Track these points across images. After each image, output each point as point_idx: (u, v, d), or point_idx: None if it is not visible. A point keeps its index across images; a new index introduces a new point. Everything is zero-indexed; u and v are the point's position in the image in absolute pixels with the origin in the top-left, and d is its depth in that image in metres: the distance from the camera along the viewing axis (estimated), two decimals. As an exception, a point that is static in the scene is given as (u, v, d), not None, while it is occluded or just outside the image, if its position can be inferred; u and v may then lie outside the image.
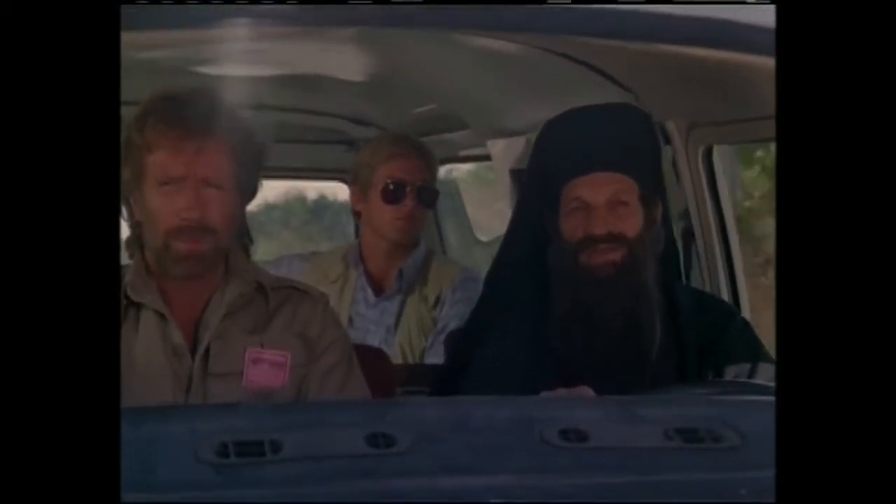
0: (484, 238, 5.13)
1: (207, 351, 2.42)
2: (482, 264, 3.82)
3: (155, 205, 2.41)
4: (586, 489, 1.67)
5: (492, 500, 1.62)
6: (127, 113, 4.23)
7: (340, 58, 3.77)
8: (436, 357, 3.41)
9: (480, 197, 5.70)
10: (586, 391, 2.29)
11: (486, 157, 4.37)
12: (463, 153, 4.58)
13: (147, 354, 2.40)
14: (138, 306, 2.44)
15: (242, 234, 2.54)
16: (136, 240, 2.48)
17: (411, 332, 3.51)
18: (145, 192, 2.42)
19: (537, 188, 2.68)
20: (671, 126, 3.12)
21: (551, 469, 1.70)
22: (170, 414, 1.89)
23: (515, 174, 4.14)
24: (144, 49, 3.04)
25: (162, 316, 2.43)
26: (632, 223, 2.56)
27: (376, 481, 1.65)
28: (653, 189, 2.62)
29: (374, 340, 3.49)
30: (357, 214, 3.62)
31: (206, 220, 2.40)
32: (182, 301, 2.46)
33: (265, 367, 2.43)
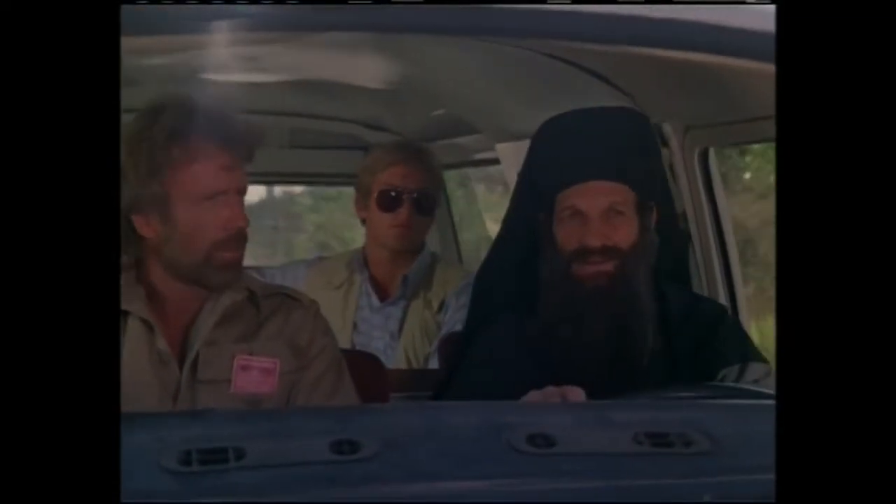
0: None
1: (196, 358, 2.43)
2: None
3: (195, 218, 2.40)
4: (549, 494, 1.67)
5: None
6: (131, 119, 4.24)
7: (354, 63, 3.78)
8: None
9: (496, 200, 5.71)
10: (576, 392, 2.23)
11: (498, 161, 4.37)
12: (477, 157, 4.59)
13: (133, 362, 2.40)
14: (125, 314, 2.44)
15: None
16: (134, 250, 2.47)
17: (415, 338, 3.50)
18: (180, 207, 2.40)
19: (531, 192, 2.62)
20: (668, 128, 3.10)
21: (515, 475, 1.69)
22: (136, 422, 1.89)
23: (522, 177, 4.14)
24: (154, 54, 3.05)
25: (148, 324, 2.44)
26: (626, 233, 2.50)
27: (340, 488, 1.65)
28: (649, 195, 2.56)
29: (378, 346, 3.49)
30: (362, 221, 3.63)
31: (244, 229, 2.44)
32: (173, 309, 2.46)
33: (254, 374, 2.44)
